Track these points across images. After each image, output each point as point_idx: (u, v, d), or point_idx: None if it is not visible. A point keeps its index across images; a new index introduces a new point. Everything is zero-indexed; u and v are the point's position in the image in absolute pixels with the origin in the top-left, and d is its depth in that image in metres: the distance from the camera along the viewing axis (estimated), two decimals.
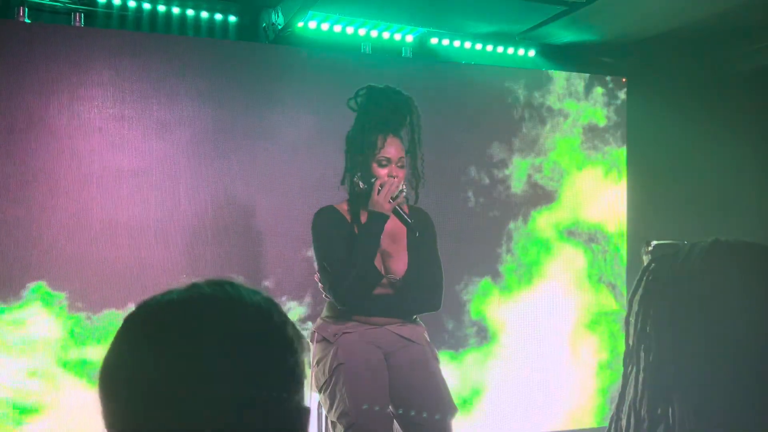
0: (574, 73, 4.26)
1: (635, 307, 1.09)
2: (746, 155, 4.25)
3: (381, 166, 2.57)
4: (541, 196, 4.15)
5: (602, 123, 4.30)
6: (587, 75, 4.28)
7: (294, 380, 0.88)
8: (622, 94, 4.34)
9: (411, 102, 2.62)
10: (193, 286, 0.90)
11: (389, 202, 2.55)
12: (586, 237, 4.24)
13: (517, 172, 4.11)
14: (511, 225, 4.08)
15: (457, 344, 3.91)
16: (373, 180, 2.57)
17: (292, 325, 0.92)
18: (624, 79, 4.35)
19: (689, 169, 4.31)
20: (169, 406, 0.82)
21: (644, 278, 1.09)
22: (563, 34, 4.11)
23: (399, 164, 2.59)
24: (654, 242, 1.12)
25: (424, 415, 2.47)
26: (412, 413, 2.48)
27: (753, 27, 3.92)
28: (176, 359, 0.83)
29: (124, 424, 0.84)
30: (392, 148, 2.58)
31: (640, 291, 1.09)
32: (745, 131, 4.22)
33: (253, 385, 0.84)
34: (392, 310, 2.62)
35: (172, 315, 0.87)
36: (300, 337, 0.92)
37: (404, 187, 2.60)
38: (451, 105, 3.96)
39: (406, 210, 2.65)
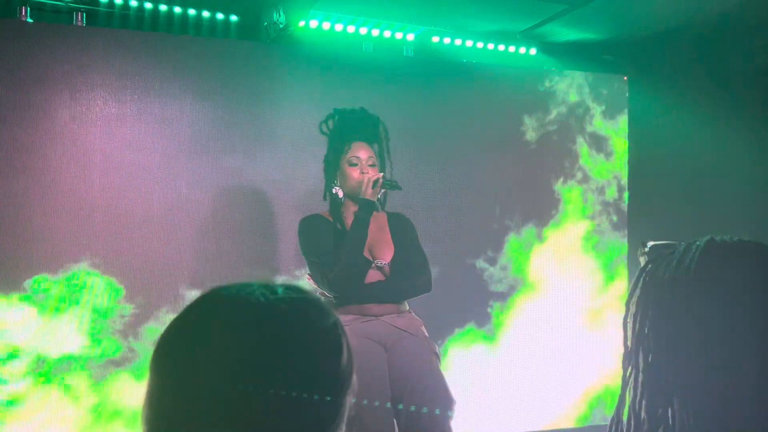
0: (576, 72, 4.26)
1: (632, 309, 1.09)
2: (748, 153, 4.25)
3: (351, 165, 2.79)
4: (541, 195, 4.16)
5: (603, 122, 4.30)
6: (588, 73, 4.28)
7: (340, 414, 0.90)
8: (623, 93, 4.34)
9: (378, 119, 2.87)
10: (272, 290, 0.91)
11: (372, 189, 2.73)
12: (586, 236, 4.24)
13: (516, 172, 4.11)
14: (510, 226, 4.09)
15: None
16: (357, 180, 2.76)
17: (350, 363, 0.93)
18: (625, 78, 4.35)
19: (691, 167, 4.31)
20: (219, 396, 0.83)
21: (641, 279, 1.10)
22: (564, 33, 4.11)
23: (369, 163, 2.81)
24: (650, 243, 1.12)
25: (424, 409, 2.49)
26: (411, 407, 2.50)
27: (755, 25, 3.91)
28: (240, 355, 0.84)
29: (167, 400, 0.85)
30: (361, 151, 2.81)
31: (637, 292, 1.09)
32: (747, 129, 4.21)
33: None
34: (385, 295, 2.74)
35: (245, 312, 0.88)
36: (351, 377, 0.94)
37: (383, 175, 2.79)
38: (453, 103, 3.96)
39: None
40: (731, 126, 4.18)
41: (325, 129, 2.89)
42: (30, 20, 3.31)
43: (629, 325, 1.09)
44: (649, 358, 1.07)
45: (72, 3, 3.41)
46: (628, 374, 1.10)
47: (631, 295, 1.10)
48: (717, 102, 4.23)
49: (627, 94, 4.34)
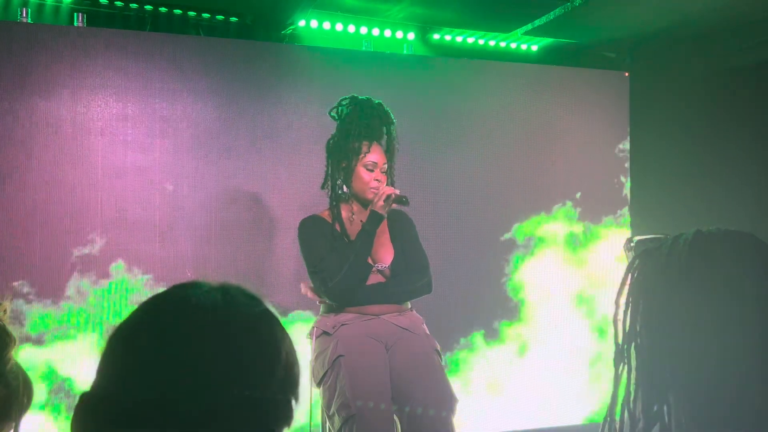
0: (577, 69, 4.24)
1: (622, 306, 1.08)
2: (749, 149, 4.23)
3: (368, 170, 2.75)
4: (542, 195, 4.15)
5: (605, 118, 4.28)
6: (589, 70, 4.27)
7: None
8: (624, 90, 4.32)
9: (390, 115, 2.82)
10: (226, 291, 0.91)
11: (383, 202, 2.70)
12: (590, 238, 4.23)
13: (517, 171, 4.10)
14: (515, 224, 4.09)
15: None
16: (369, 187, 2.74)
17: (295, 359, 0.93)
18: (626, 74, 4.34)
19: (692, 164, 4.29)
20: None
21: (630, 275, 1.09)
22: (565, 30, 4.09)
23: (383, 170, 2.78)
24: (636, 238, 1.11)
25: (422, 409, 2.48)
26: (413, 406, 2.49)
27: (755, 20, 3.90)
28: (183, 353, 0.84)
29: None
30: (377, 155, 2.77)
31: (627, 289, 1.08)
32: (748, 125, 4.20)
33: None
34: (386, 296, 2.74)
35: (187, 313, 0.88)
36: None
37: (397, 192, 2.75)
38: (453, 101, 3.95)
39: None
40: (733, 121, 4.16)
41: (334, 113, 2.82)
42: (30, 21, 3.32)
43: (620, 323, 1.08)
44: (643, 355, 1.06)
45: (72, 4, 3.42)
46: (620, 372, 1.09)
47: (620, 292, 1.09)
48: (718, 98, 4.21)
49: (628, 91, 4.32)
